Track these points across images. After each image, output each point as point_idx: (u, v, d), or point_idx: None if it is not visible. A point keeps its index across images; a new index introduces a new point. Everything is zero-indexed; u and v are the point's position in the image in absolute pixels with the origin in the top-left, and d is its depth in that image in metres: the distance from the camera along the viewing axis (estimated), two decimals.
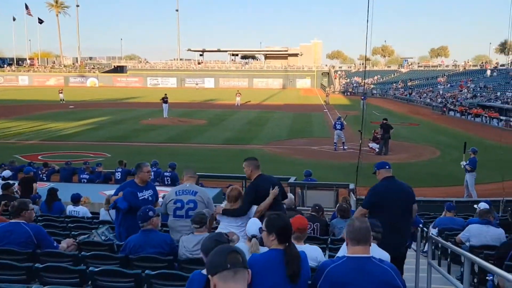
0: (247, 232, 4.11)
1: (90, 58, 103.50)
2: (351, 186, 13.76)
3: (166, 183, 13.41)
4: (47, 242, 5.19)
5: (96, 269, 4.21)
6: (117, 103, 51.22)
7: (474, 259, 4.53)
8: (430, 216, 11.14)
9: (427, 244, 7.76)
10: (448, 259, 7.88)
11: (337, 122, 23.86)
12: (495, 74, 59.74)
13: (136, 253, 5.02)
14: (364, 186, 16.16)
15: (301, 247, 4.12)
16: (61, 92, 51.27)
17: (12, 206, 5.31)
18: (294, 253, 3.45)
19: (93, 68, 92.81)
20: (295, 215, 4.76)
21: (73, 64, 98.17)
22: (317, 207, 7.68)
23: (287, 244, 3.48)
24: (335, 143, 24.14)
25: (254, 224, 4.09)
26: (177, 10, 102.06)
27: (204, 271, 3.60)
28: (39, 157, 20.00)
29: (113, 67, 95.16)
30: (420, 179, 17.24)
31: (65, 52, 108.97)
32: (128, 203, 5.88)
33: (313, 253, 4.45)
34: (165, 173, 13.86)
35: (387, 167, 5.75)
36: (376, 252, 3.99)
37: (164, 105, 37.15)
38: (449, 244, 6.02)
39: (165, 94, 38.42)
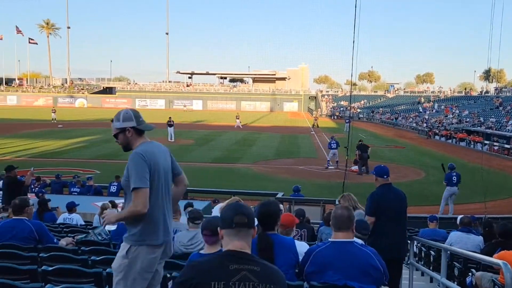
0: None
1: (80, 79, 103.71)
2: (337, 202, 14.21)
3: None
4: (48, 238, 5.46)
5: (98, 258, 4.47)
6: (106, 123, 51.19)
7: (449, 248, 4.86)
8: (414, 230, 11.51)
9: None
10: (431, 267, 8.23)
11: (332, 142, 24.74)
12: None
13: None
14: None
15: None
16: (54, 112, 51.49)
17: (14, 204, 5.55)
18: (265, 241, 3.70)
19: (82, 89, 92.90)
20: None
21: (62, 84, 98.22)
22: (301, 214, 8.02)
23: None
24: (328, 161, 25.03)
25: None
26: (167, 33, 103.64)
27: (202, 251, 3.94)
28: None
29: (102, 88, 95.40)
30: None
31: (54, 73, 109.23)
32: None
33: (301, 248, 4.75)
34: None
35: (385, 176, 5.96)
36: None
37: (169, 128, 35.09)
38: (431, 241, 6.36)
39: (170, 117, 36.00)
